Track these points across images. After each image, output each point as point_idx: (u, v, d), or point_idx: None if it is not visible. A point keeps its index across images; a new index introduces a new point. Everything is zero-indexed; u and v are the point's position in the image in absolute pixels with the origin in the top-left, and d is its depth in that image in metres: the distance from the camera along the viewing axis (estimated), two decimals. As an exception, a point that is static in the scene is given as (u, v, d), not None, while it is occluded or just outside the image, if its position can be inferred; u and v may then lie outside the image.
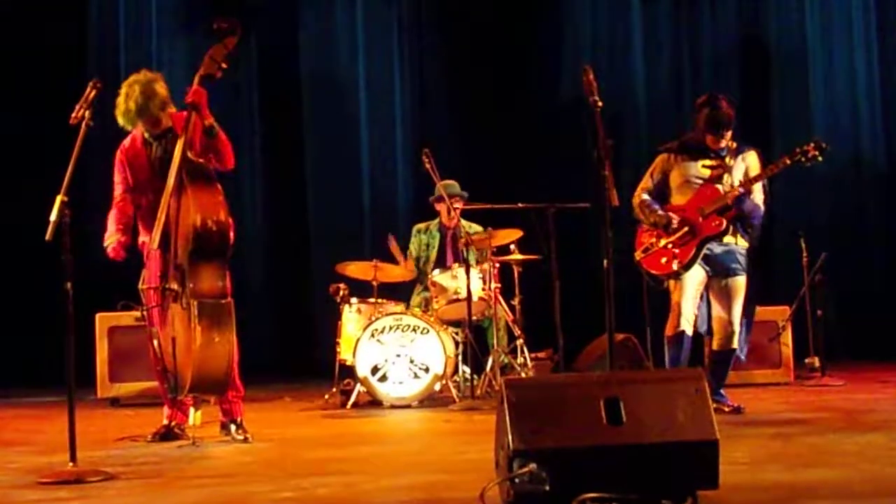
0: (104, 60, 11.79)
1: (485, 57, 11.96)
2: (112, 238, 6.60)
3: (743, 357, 7.39)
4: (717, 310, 7.26)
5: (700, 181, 7.20)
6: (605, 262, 5.36)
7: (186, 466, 5.68)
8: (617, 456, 4.04)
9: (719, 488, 4.08)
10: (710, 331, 7.31)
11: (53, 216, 5.27)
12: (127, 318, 9.02)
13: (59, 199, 5.30)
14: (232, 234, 6.27)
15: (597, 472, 4.01)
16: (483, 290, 8.77)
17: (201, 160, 6.34)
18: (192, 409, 6.46)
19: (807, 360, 9.46)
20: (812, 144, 7.11)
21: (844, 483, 4.53)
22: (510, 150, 11.61)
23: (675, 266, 7.14)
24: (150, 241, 6.39)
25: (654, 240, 7.25)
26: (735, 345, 7.22)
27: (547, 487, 3.96)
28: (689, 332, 7.17)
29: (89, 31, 12.08)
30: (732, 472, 4.50)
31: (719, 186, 7.16)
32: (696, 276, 7.17)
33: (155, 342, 6.45)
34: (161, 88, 6.52)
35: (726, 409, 7.07)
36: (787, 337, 9.20)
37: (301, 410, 8.52)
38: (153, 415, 7.07)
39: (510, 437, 4.02)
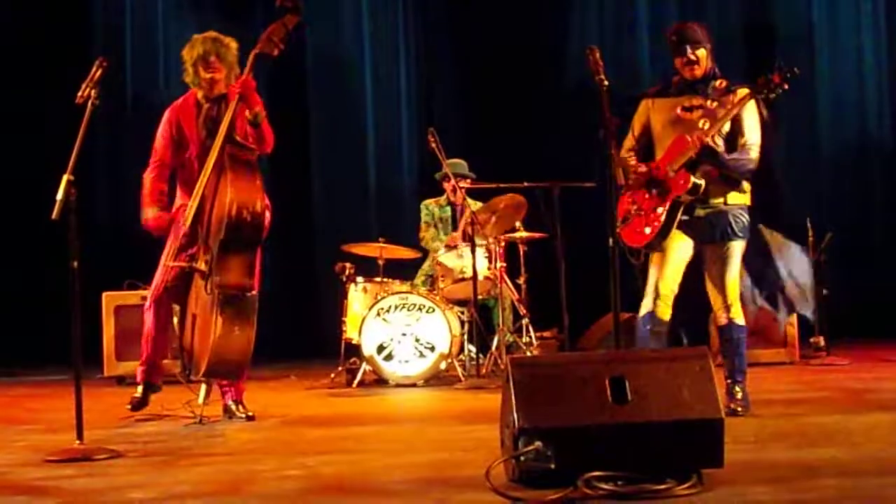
0: (110, 40, 11.78)
1: (490, 36, 11.94)
2: (151, 212, 6.55)
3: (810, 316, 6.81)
4: (709, 281, 6.23)
5: (680, 126, 6.12)
6: (610, 240, 5.36)
7: (192, 444, 5.70)
8: (622, 434, 4.04)
9: (724, 467, 4.09)
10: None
11: (59, 195, 5.27)
12: (133, 297, 9.08)
13: (65, 178, 5.30)
14: (268, 218, 6.26)
15: (602, 450, 4.01)
16: (489, 269, 8.77)
17: (246, 145, 6.31)
18: (202, 387, 6.46)
19: (812, 340, 9.46)
20: (776, 71, 6.05)
21: (849, 462, 4.53)
22: (515, 129, 11.60)
23: (647, 234, 6.11)
24: (183, 214, 6.38)
25: (633, 207, 6.21)
26: (736, 316, 6.16)
27: (552, 465, 3.97)
28: (666, 315, 6.16)
29: (95, 10, 12.06)
30: (737, 451, 4.51)
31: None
32: (677, 249, 6.16)
33: (175, 320, 6.44)
34: (230, 46, 6.54)
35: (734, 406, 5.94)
36: (793, 316, 9.19)
37: (307, 389, 8.54)
38: (158, 393, 7.07)
39: (515, 416, 4.03)
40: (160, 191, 6.62)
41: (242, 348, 6.17)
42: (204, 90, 6.57)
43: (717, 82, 6.21)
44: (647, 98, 6.35)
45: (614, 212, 5.43)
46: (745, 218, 6.20)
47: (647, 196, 6.15)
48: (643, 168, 6.18)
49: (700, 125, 6.06)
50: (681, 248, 6.17)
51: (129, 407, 6.60)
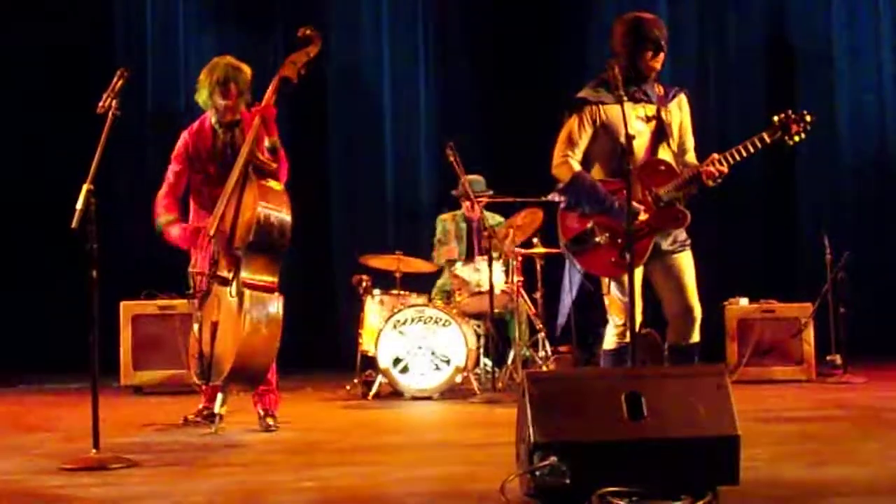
0: (131, 50, 11.82)
1: (509, 50, 11.95)
2: (175, 228, 6.60)
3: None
4: (668, 296, 5.79)
5: (639, 142, 5.61)
6: (626, 255, 5.36)
7: (208, 455, 5.71)
8: (637, 450, 4.04)
9: (740, 484, 4.08)
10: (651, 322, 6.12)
11: (79, 204, 5.29)
12: (150, 306, 9.10)
13: (85, 187, 5.32)
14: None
15: (617, 466, 4.02)
16: (505, 283, 8.77)
17: (268, 163, 6.39)
18: (219, 395, 6.46)
19: (828, 358, 9.43)
20: (794, 117, 5.74)
21: (865, 481, 4.53)
22: (534, 143, 11.56)
23: (623, 265, 5.48)
24: (206, 227, 6.41)
25: (590, 226, 5.72)
26: (697, 337, 5.78)
27: (567, 481, 3.97)
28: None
29: (116, 21, 12.11)
30: (753, 469, 4.51)
31: (667, 155, 5.77)
32: (637, 273, 5.64)
33: (195, 326, 6.45)
34: (246, 73, 6.64)
35: None
36: (810, 334, 9.17)
37: (322, 401, 8.54)
38: (175, 403, 7.11)
39: (531, 430, 4.03)
40: (166, 204, 6.66)
41: (268, 352, 6.25)
42: (217, 115, 6.65)
43: (657, 87, 5.86)
44: (593, 104, 5.80)
45: (630, 227, 5.40)
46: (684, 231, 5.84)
47: (620, 224, 5.55)
48: (644, 216, 5.63)
49: (670, 143, 5.76)
50: (637, 272, 5.66)
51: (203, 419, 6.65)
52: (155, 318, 9.03)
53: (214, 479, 4.97)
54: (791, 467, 4.92)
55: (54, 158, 10.76)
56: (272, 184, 6.34)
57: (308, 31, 6.69)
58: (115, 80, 5.64)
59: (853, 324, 9.68)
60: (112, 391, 8.79)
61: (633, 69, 5.73)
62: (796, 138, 5.74)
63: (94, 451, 5.34)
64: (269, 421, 6.60)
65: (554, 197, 6.02)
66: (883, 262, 11.70)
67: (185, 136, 6.75)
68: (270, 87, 6.47)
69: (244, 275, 6.20)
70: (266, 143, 6.40)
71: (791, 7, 12.27)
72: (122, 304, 9.18)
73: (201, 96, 6.63)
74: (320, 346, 11.67)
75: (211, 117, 6.68)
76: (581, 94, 5.84)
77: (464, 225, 9.58)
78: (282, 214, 6.26)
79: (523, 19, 12.00)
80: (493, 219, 9.22)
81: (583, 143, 5.84)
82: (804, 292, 9.80)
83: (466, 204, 9.41)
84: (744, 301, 9.44)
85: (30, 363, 10.74)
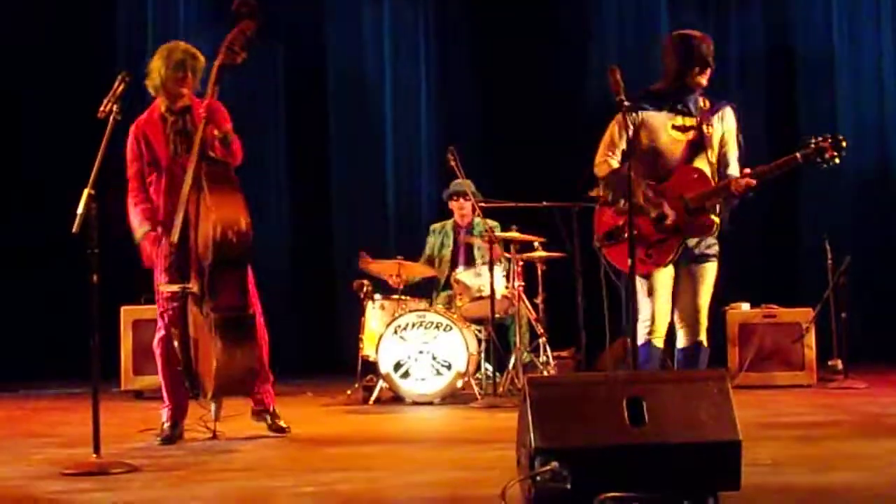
0: (132, 52, 11.81)
1: (510, 57, 11.95)
2: (146, 243, 6.42)
3: None
4: (681, 297, 6.04)
5: (673, 149, 5.99)
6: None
7: (209, 460, 5.71)
8: (639, 455, 4.03)
9: (741, 490, 4.08)
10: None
11: (80, 209, 5.29)
12: (151, 311, 9.06)
13: (86, 192, 5.32)
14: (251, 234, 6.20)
15: (618, 471, 4.01)
16: (506, 288, 8.77)
17: (221, 160, 6.16)
18: (212, 405, 6.44)
19: (830, 363, 9.41)
20: (830, 141, 5.72)
21: (867, 486, 4.52)
22: (535, 149, 11.59)
23: (651, 267, 5.94)
24: (169, 234, 6.21)
25: (622, 223, 5.91)
26: (703, 337, 6.03)
27: (568, 486, 3.96)
28: (660, 344, 6.04)
29: (118, 22, 12.11)
30: (754, 474, 4.50)
31: (704, 165, 6.00)
32: (668, 273, 6.02)
33: (175, 343, 6.34)
34: (201, 60, 6.38)
35: None
36: (811, 339, 9.16)
37: (323, 406, 8.54)
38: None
39: (532, 435, 4.03)
40: (142, 210, 6.42)
41: (246, 366, 6.08)
42: (168, 101, 6.40)
43: (702, 101, 6.12)
44: (634, 111, 5.99)
45: (633, 234, 5.41)
46: (717, 239, 6.08)
47: (651, 223, 5.93)
48: (672, 214, 5.90)
49: (708, 155, 5.98)
50: (668, 273, 6.01)
51: (160, 441, 6.41)
52: (155, 324, 9.00)
53: (215, 484, 4.97)
54: (792, 472, 4.92)
55: (55, 162, 10.76)
56: (228, 191, 6.05)
57: (243, 7, 6.27)
58: (116, 84, 5.63)
59: (854, 329, 9.68)
60: (113, 396, 8.80)
61: (679, 83, 6.03)
62: (831, 163, 5.78)
63: (94, 456, 5.34)
64: (280, 423, 6.58)
65: (596, 193, 6.33)
66: (884, 268, 11.70)
67: (132, 129, 6.42)
68: (211, 80, 6.18)
69: (211, 300, 6.00)
70: (217, 134, 6.14)
71: (792, 16, 12.28)
72: (123, 308, 9.18)
73: (153, 81, 6.36)
74: (321, 351, 11.68)
75: (161, 105, 6.43)
76: (624, 100, 5.89)
77: (451, 233, 9.55)
78: (240, 227, 5.98)
79: (526, 26, 12.01)
80: (484, 224, 9.06)
81: (622, 144, 6.06)
82: (805, 297, 9.79)
83: (453, 206, 9.43)
84: (745, 306, 9.44)
85: (31, 368, 10.75)
